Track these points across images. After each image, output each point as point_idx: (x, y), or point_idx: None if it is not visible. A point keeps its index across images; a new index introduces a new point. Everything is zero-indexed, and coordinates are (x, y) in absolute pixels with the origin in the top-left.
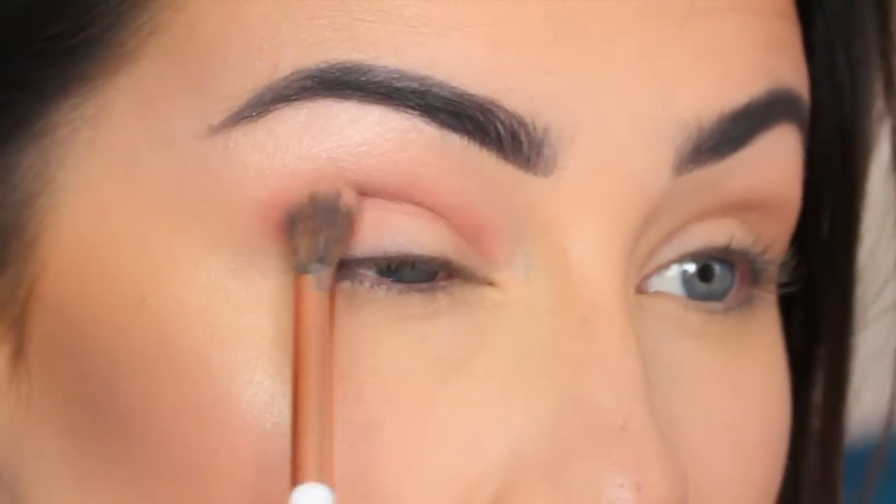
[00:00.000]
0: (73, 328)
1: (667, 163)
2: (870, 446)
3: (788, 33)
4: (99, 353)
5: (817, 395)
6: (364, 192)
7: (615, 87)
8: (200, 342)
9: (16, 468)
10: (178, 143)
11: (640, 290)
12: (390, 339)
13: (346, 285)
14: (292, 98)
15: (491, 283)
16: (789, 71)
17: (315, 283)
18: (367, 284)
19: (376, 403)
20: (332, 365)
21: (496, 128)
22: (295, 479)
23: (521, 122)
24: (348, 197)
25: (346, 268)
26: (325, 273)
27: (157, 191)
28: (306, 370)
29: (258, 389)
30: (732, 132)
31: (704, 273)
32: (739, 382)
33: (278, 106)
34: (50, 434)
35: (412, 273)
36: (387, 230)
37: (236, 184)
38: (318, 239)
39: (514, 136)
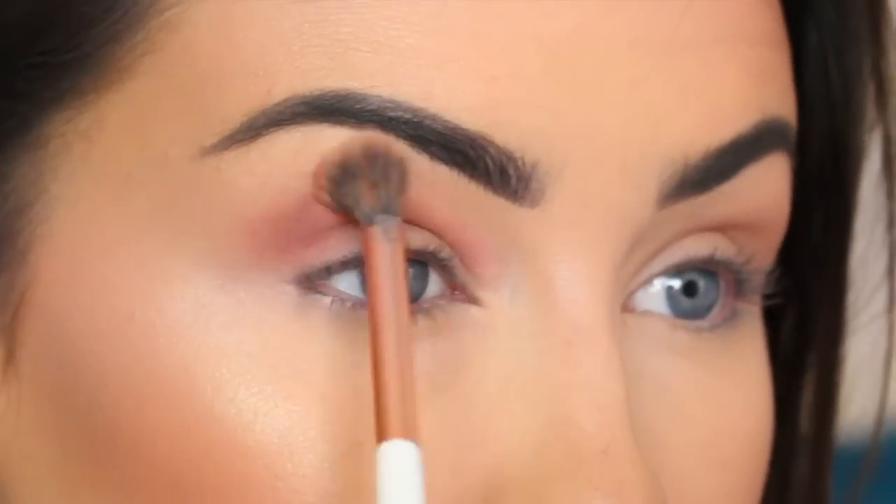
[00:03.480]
0: (63, 338)
1: (651, 197)
2: (859, 450)
3: (776, 60)
4: (87, 365)
5: (807, 398)
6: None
7: (604, 121)
8: (186, 358)
9: (6, 472)
10: (170, 161)
11: (627, 308)
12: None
13: (325, 302)
14: (286, 122)
15: (476, 301)
16: (777, 99)
17: (383, 234)
18: (348, 304)
19: (359, 423)
20: (409, 316)
21: (486, 162)
22: (381, 435)
23: (511, 157)
24: (398, 151)
25: (327, 280)
26: (393, 223)
27: (148, 207)
28: (384, 323)
29: (241, 406)
30: (718, 167)
31: (689, 289)
32: (724, 398)
33: (271, 130)
34: (40, 441)
35: None
36: None
37: (227, 204)
38: (380, 189)
39: (503, 170)
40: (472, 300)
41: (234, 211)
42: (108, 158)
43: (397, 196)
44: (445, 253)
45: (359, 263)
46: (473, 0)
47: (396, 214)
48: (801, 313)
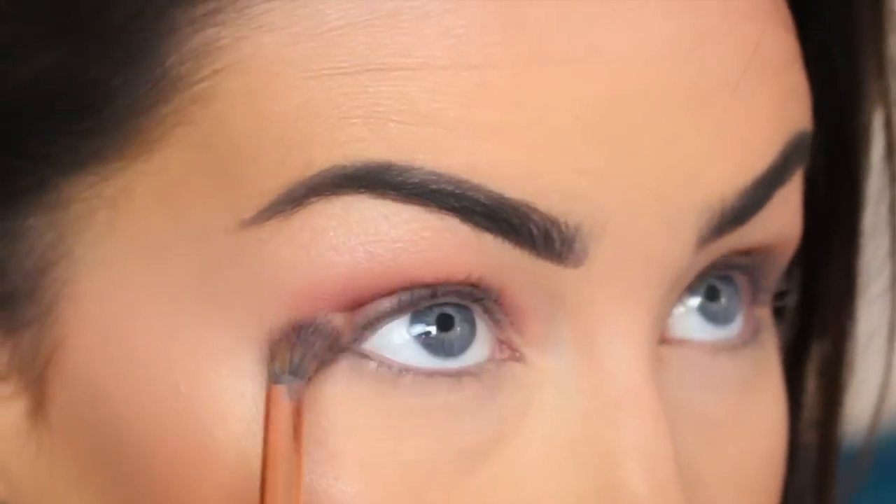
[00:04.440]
0: (99, 402)
1: (691, 243)
2: (853, 447)
3: (796, 77)
4: (131, 433)
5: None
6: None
7: (642, 179)
8: (237, 434)
9: None
10: (207, 233)
11: (664, 338)
12: (415, 435)
13: (371, 367)
14: (327, 193)
15: (522, 360)
16: (799, 114)
17: (287, 392)
18: (394, 369)
19: (404, 500)
20: (300, 475)
21: (530, 229)
22: None
23: (555, 223)
24: (335, 322)
25: (373, 336)
26: (297, 386)
27: (184, 278)
28: (274, 481)
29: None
30: (753, 200)
31: (711, 294)
32: (752, 420)
33: (312, 200)
34: (75, 496)
35: (444, 340)
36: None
37: (269, 276)
38: (296, 354)
39: (547, 235)
40: (519, 357)
41: (276, 282)
42: (138, 227)
43: (311, 363)
44: (490, 302)
45: (404, 311)
46: (513, 68)
47: (303, 378)
48: (807, 304)
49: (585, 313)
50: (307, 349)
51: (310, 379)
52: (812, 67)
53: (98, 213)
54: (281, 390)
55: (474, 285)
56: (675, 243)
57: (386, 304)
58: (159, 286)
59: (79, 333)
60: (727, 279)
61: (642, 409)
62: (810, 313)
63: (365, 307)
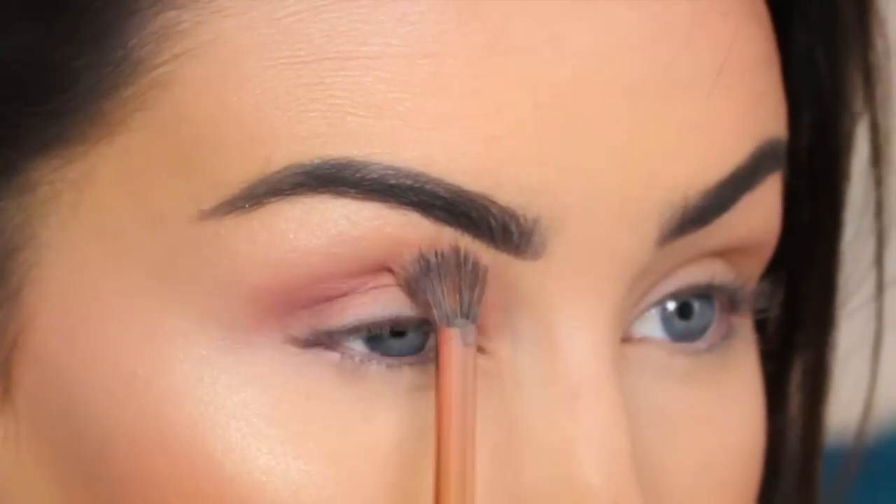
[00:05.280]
0: (62, 385)
1: (651, 239)
2: (844, 447)
3: (770, 79)
4: (89, 416)
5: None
6: (357, 275)
7: (604, 172)
8: (193, 418)
9: (8, 501)
10: (167, 221)
11: (625, 336)
12: (380, 414)
13: (334, 358)
14: (286, 193)
15: (481, 351)
16: (772, 120)
17: (461, 339)
18: (357, 359)
19: (369, 480)
20: (475, 419)
21: (489, 222)
22: None
23: (513, 216)
24: (483, 259)
25: (333, 340)
26: (470, 329)
27: (145, 264)
28: (450, 425)
29: (252, 466)
30: (717, 202)
31: (683, 310)
32: (720, 418)
33: (272, 200)
34: (41, 479)
35: (401, 344)
36: (378, 298)
37: (227, 269)
38: (464, 294)
39: (506, 228)
40: (477, 349)
41: (234, 276)
42: (101, 212)
43: (478, 303)
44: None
45: (367, 330)
46: (469, 57)
47: (475, 321)
48: (790, 305)
49: (544, 305)
50: (473, 289)
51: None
52: (796, 72)
53: (63, 197)
54: (454, 334)
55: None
56: (635, 239)
57: (344, 320)
58: (120, 270)
59: (43, 316)
60: (706, 297)
61: (600, 399)
62: (793, 322)
63: (323, 314)
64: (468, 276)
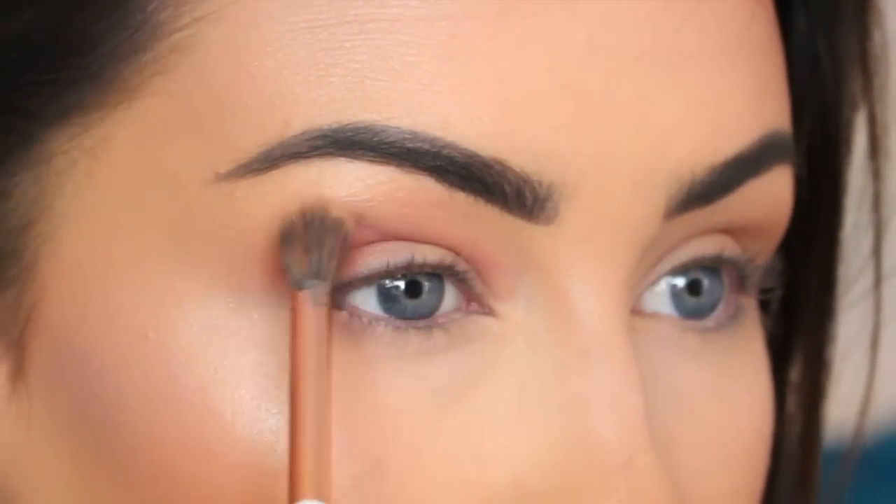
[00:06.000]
0: (74, 355)
1: (659, 211)
2: (842, 445)
3: (774, 68)
4: (102, 383)
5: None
6: (370, 232)
7: (615, 138)
8: (203, 380)
9: (18, 483)
10: (182, 184)
11: (635, 310)
12: (388, 377)
13: (343, 318)
14: (303, 155)
15: (491, 313)
16: (777, 110)
17: (312, 299)
18: (364, 320)
19: (378, 441)
20: (330, 381)
21: (503, 187)
22: (293, 496)
23: (528, 181)
24: (339, 213)
25: (346, 296)
26: (322, 288)
27: (158, 227)
28: (303, 385)
29: (262, 427)
30: (721, 182)
31: (693, 287)
32: (731, 396)
33: (288, 162)
34: (53, 454)
35: (412, 306)
36: (390, 248)
37: (239, 230)
38: (312, 255)
39: (520, 193)
40: (488, 311)
41: (246, 238)
42: (116, 177)
43: (330, 261)
44: (461, 266)
45: (377, 278)
46: (485, 20)
47: (326, 279)
48: (790, 295)
49: (556, 268)
50: (322, 248)
51: (332, 280)
52: (796, 63)
53: (79, 165)
54: (305, 296)
55: (446, 247)
56: (643, 209)
57: (356, 270)
58: (134, 234)
59: (56, 288)
60: (716, 272)
61: (612, 357)
62: (793, 312)
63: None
64: (315, 236)
